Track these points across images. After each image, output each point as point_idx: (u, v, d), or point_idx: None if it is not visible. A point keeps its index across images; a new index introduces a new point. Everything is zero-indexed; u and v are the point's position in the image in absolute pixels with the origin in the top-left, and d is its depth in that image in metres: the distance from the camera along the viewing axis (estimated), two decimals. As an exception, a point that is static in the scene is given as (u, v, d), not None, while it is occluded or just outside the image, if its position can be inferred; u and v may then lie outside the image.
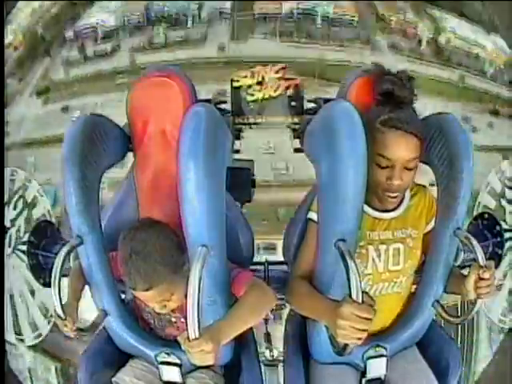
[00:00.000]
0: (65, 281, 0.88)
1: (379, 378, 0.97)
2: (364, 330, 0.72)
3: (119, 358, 1.00)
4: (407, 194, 0.96)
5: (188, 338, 0.72)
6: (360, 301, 0.72)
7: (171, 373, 0.96)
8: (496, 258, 1.38)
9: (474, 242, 0.84)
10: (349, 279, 0.74)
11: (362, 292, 0.73)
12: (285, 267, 1.14)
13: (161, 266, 0.82)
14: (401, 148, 0.84)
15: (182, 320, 0.92)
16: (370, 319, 0.72)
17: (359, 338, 0.73)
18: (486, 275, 0.80)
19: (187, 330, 0.73)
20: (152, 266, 0.82)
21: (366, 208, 0.90)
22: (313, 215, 0.94)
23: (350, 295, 0.73)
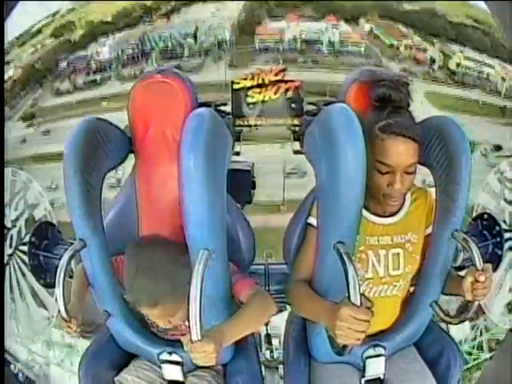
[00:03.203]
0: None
1: (378, 378, 0.97)
2: (362, 332, 0.73)
3: (121, 358, 1.00)
4: (408, 199, 0.96)
5: (191, 339, 0.73)
6: (358, 303, 0.73)
7: (173, 371, 0.97)
8: (496, 258, 1.38)
9: (472, 244, 0.85)
10: (347, 282, 0.75)
11: (360, 294, 0.74)
12: (285, 268, 1.14)
13: (166, 284, 0.84)
14: (401, 154, 0.84)
15: (186, 324, 0.93)
16: (367, 321, 0.73)
17: (358, 339, 0.74)
18: (482, 278, 0.80)
19: (190, 332, 0.73)
20: (157, 285, 0.84)
21: (365, 213, 0.91)
22: (312, 220, 0.94)
23: (349, 298, 0.74)
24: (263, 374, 1.09)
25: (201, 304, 0.74)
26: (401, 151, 0.84)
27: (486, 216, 1.41)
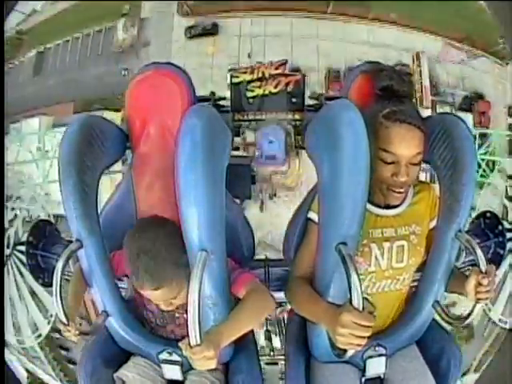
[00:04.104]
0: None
1: (379, 377, 0.97)
2: (364, 338, 0.72)
3: (119, 357, 1.00)
4: (410, 192, 0.95)
5: (189, 344, 0.72)
6: (361, 308, 0.72)
7: (172, 371, 0.97)
8: (497, 257, 1.38)
9: (476, 246, 0.84)
10: (350, 285, 0.73)
11: (363, 298, 0.73)
12: (285, 264, 1.14)
13: (170, 264, 0.83)
14: (406, 142, 0.83)
15: (185, 316, 0.92)
16: (369, 327, 0.72)
17: (359, 345, 0.73)
18: (485, 282, 0.79)
19: (188, 336, 0.72)
20: (161, 265, 0.82)
21: (368, 205, 0.89)
22: (313, 215, 0.93)
23: (351, 302, 0.72)
24: (263, 370, 1.09)
25: (199, 308, 0.73)
26: (406, 139, 0.83)
27: (488, 215, 1.39)
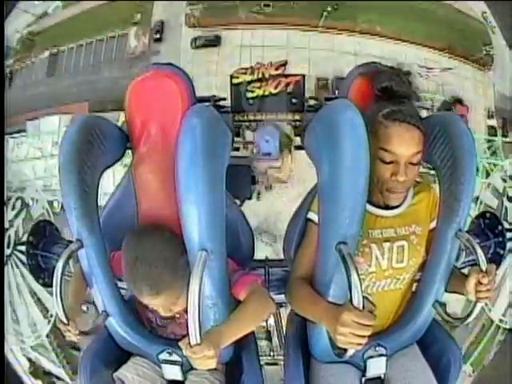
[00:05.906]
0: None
1: (379, 377, 0.96)
2: (364, 337, 0.72)
3: (119, 357, 1.00)
4: (410, 192, 0.95)
5: (189, 343, 0.73)
6: (361, 307, 0.72)
7: (173, 371, 0.97)
8: (498, 257, 1.38)
9: (476, 245, 0.84)
10: (350, 285, 0.74)
11: (363, 297, 0.73)
12: (285, 265, 1.14)
13: (167, 272, 0.83)
14: (405, 141, 0.83)
15: (185, 316, 0.93)
16: (370, 326, 0.72)
17: (359, 344, 0.73)
18: (485, 281, 0.79)
19: (188, 335, 0.73)
20: (159, 274, 0.82)
21: (368, 206, 0.89)
22: (313, 216, 0.93)
23: (351, 301, 0.73)
24: (263, 371, 1.09)
25: (199, 307, 0.74)
26: (405, 138, 0.83)
27: (488, 215, 1.40)
